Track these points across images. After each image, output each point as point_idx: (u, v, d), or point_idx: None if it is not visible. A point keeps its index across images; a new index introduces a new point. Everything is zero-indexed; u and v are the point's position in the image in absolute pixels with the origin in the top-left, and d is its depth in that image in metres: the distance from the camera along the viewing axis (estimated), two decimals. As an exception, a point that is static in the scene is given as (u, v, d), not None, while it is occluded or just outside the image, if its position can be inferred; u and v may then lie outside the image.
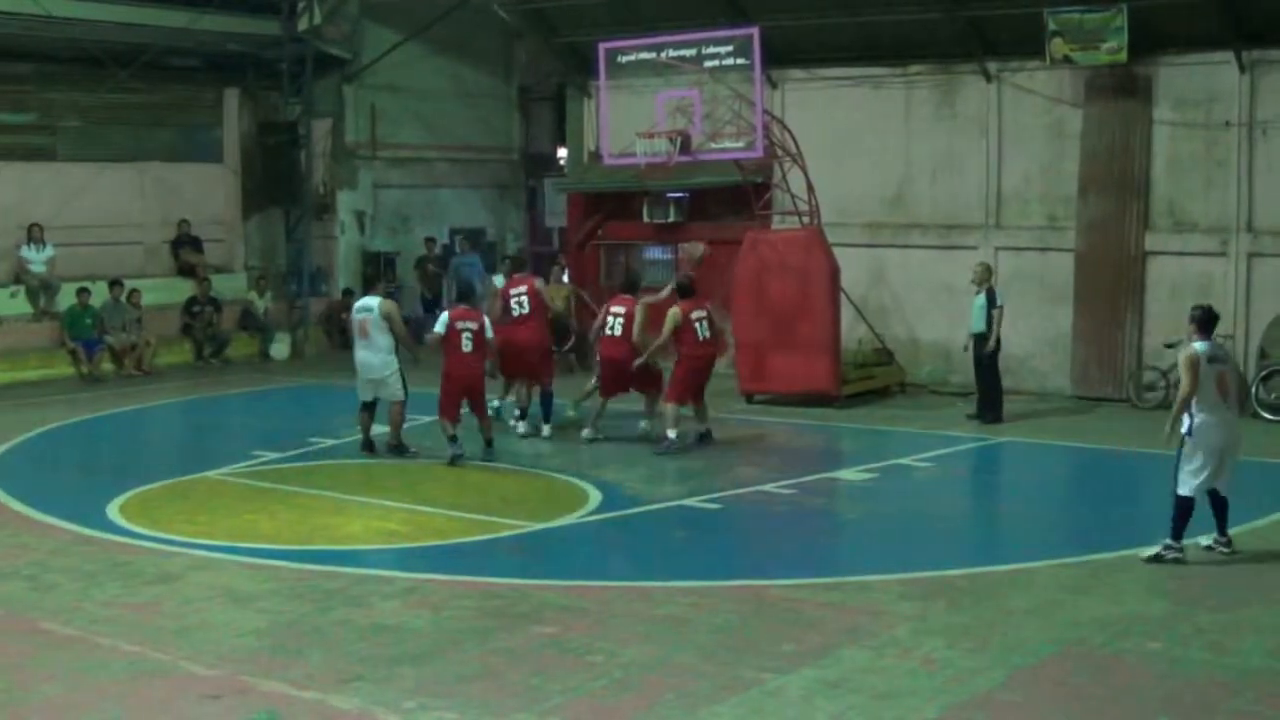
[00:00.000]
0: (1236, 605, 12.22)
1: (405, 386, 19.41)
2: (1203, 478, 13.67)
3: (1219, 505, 13.91)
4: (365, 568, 13.63)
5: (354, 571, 13.46)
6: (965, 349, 22.48)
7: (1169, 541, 13.60)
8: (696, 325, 19.67)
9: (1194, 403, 13.63)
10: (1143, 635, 11.39)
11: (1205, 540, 13.93)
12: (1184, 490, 13.69)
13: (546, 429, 20.51)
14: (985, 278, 22.09)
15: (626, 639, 11.34)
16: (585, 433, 20.08)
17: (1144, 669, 10.63)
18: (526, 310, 20.47)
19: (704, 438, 19.94)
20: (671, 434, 19.25)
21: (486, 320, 19.19)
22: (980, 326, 21.96)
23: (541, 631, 11.53)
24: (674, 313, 19.64)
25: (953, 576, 13.11)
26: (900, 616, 11.96)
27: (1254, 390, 22.29)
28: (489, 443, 19.23)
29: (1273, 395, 22.20)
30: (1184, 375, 13.82)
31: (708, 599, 12.52)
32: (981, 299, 21.93)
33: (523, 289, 20.68)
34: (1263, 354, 22.83)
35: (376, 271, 30.76)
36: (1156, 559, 13.52)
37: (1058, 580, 13.15)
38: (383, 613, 12.11)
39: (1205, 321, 14.29)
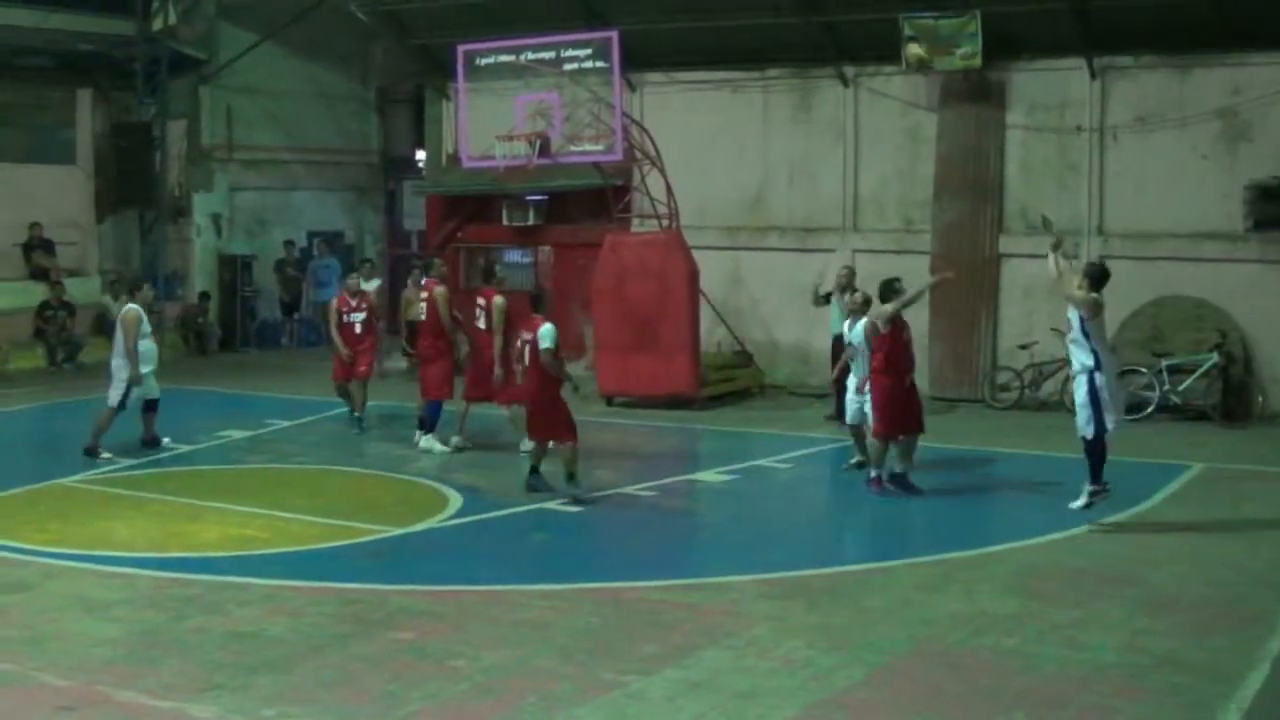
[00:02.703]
0: (1088, 602, 12.41)
1: (123, 396, 19.42)
2: (1109, 417, 14.83)
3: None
4: (222, 575, 13.43)
5: (210, 579, 13.28)
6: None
7: (1093, 486, 14.86)
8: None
9: (1097, 342, 15.02)
10: (997, 632, 11.54)
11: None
12: (1099, 430, 15.01)
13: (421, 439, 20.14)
14: (850, 281, 22.24)
15: (486, 643, 11.29)
16: (454, 440, 19.88)
17: (999, 665, 10.76)
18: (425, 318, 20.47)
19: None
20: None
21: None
22: (839, 328, 22.11)
23: (400, 637, 11.46)
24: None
25: (811, 576, 13.21)
26: (760, 616, 12.02)
27: (1105, 390, 22.70)
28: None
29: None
30: (1081, 295, 15.17)
31: (568, 602, 12.51)
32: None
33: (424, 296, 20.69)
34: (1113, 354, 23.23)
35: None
36: (1088, 506, 15.09)
37: (914, 579, 13.28)
38: (240, 620, 11.98)
39: (1099, 278, 15.50)
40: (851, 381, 17.68)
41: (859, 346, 17.29)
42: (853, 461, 18.32)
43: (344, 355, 21.19)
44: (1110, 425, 15.03)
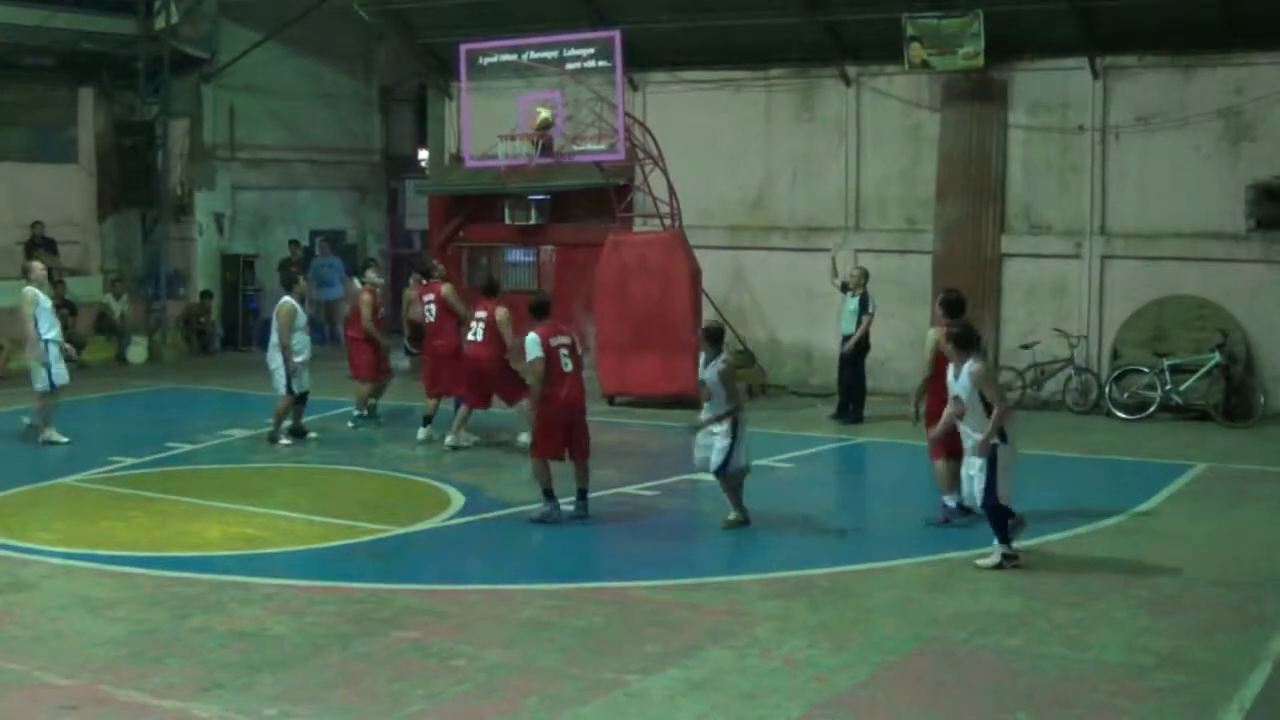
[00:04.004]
0: (1092, 601, 12.41)
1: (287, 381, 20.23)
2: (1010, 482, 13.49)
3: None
4: (224, 574, 13.43)
5: (213, 578, 13.27)
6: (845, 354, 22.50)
7: (1006, 549, 13.45)
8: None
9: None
10: (1001, 632, 11.53)
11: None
12: (1004, 498, 13.37)
13: (451, 438, 20.06)
14: (862, 282, 22.24)
15: (489, 643, 11.29)
16: (449, 439, 19.91)
17: (1002, 665, 10.75)
18: (434, 318, 20.70)
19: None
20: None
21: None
22: (851, 328, 22.17)
23: (403, 636, 11.46)
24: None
25: (813, 576, 13.20)
26: (762, 616, 12.01)
27: (1107, 390, 22.74)
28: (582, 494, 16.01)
29: (1125, 395, 22.61)
30: (993, 389, 13.71)
31: (570, 602, 12.50)
32: (854, 303, 22.13)
33: (430, 296, 20.85)
34: (1115, 354, 23.29)
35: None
36: (998, 568, 13.39)
37: (916, 578, 13.28)
38: (242, 619, 11.97)
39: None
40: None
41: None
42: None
43: (383, 347, 21.61)
44: (1006, 500, 13.48)
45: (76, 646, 11.22)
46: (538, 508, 15.61)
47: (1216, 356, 22.20)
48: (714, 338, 15.28)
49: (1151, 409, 22.27)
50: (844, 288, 22.64)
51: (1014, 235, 24.28)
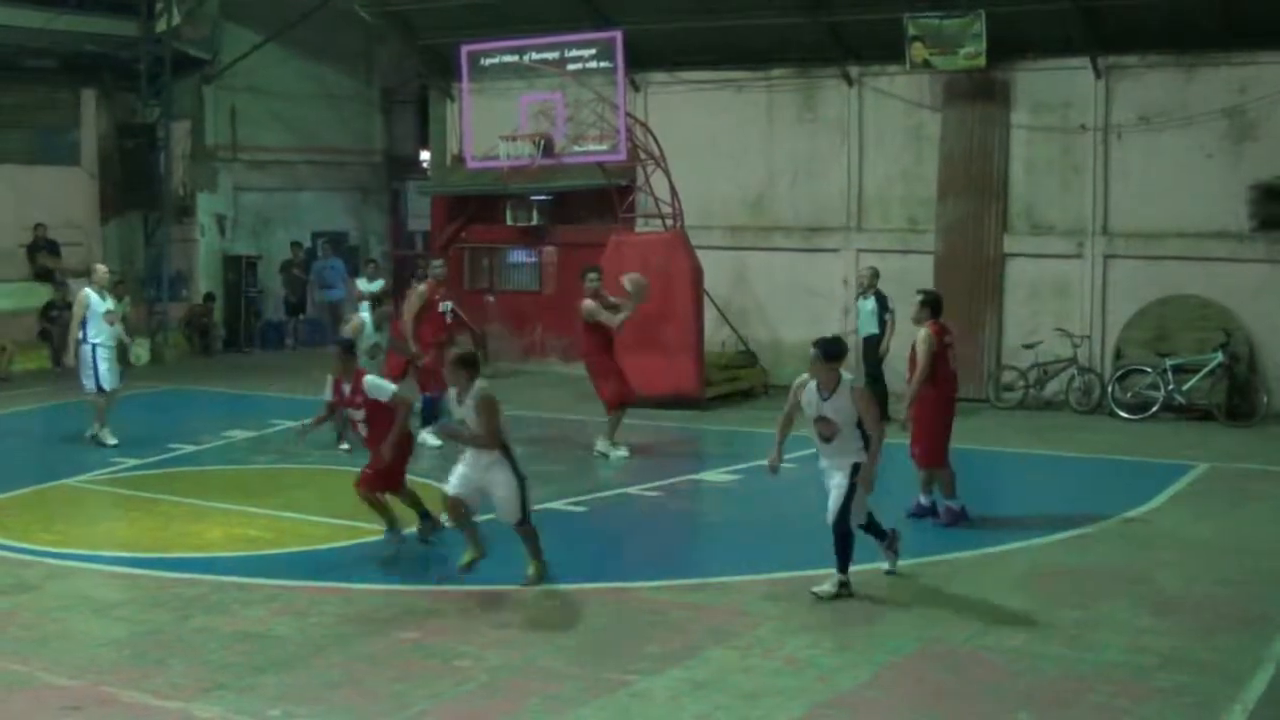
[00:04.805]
0: (1094, 602, 12.40)
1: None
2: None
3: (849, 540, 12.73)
4: (227, 575, 13.44)
5: (215, 579, 13.29)
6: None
7: (843, 578, 12.56)
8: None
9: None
10: (1003, 632, 11.54)
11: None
12: (859, 519, 12.67)
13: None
14: (873, 282, 22.18)
15: (491, 643, 11.30)
16: (600, 447, 19.67)
17: (1004, 665, 10.75)
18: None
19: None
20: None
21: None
22: (869, 330, 22.07)
23: (406, 637, 11.47)
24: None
25: (815, 576, 13.18)
26: (764, 616, 12.02)
27: (1110, 389, 22.72)
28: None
29: (1128, 394, 22.60)
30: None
31: (572, 602, 12.52)
32: (871, 303, 22.03)
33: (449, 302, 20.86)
34: (1118, 354, 23.29)
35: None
36: (837, 596, 12.48)
37: (920, 578, 13.27)
38: (245, 620, 11.99)
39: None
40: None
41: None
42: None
43: (415, 353, 20.45)
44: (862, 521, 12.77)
45: (80, 647, 11.23)
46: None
47: (1219, 356, 22.18)
48: (467, 363, 12.96)
49: (1154, 409, 22.26)
50: (858, 293, 22.50)
51: (1016, 235, 24.28)
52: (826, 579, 12.58)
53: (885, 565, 13.23)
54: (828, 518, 12.65)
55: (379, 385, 14.28)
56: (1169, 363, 22.41)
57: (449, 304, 21.18)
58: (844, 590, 12.51)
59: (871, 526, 12.96)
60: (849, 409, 12.53)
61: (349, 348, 14.97)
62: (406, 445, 14.57)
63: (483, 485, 13.05)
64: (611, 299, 19.91)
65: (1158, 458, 19.12)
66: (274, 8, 31.27)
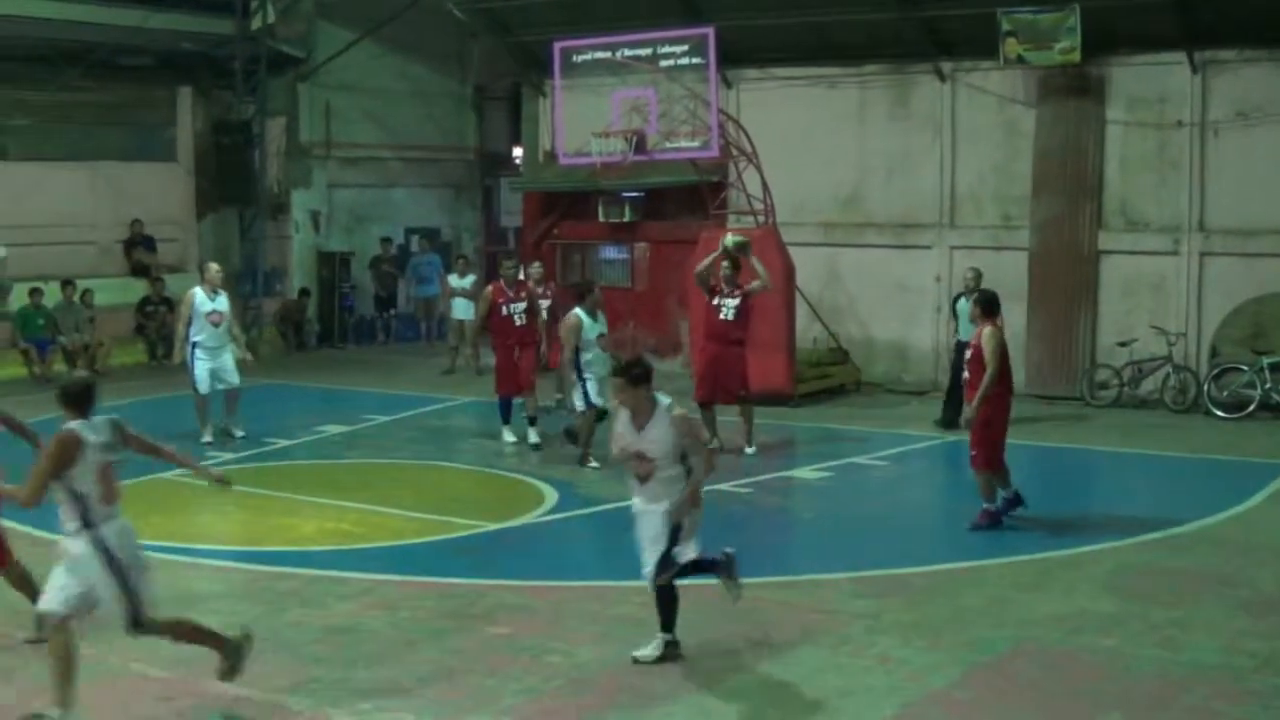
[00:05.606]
0: (1188, 602, 12.29)
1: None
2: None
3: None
4: (320, 569, 13.56)
5: (308, 573, 13.40)
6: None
7: (669, 637, 10.89)
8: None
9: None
10: (1095, 632, 11.45)
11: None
12: (682, 559, 10.82)
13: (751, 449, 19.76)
14: (976, 283, 21.48)
15: (581, 639, 11.33)
16: (750, 450, 19.66)
17: (1097, 666, 10.67)
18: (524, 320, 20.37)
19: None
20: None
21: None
22: (969, 334, 21.63)
23: (496, 632, 11.52)
24: None
25: (906, 575, 13.16)
26: (855, 615, 11.99)
27: (1206, 388, 22.46)
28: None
29: (1224, 393, 22.35)
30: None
31: (663, 598, 12.51)
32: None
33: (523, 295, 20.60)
34: (1214, 352, 23.03)
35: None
36: (662, 659, 10.75)
37: (1011, 578, 13.20)
38: (337, 614, 12.08)
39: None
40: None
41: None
42: None
43: (468, 357, 20.15)
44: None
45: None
46: None
47: (1317, 354, 21.95)
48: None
49: (1251, 408, 22.00)
50: (960, 293, 22.02)
51: (1111, 232, 24.06)
52: (650, 642, 10.84)
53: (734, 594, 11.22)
54: (643, 573, 10.87)
55: None
56: (1265, 361, 22.15)
57: (519, 305, 20.28)
58: (670, 650, 10.79)
59: (701, 564, 10.97)
60: (667, 440, 10.64)
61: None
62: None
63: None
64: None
65: (1254, 457, 18.90)
66: (367, 6, 31.42)
